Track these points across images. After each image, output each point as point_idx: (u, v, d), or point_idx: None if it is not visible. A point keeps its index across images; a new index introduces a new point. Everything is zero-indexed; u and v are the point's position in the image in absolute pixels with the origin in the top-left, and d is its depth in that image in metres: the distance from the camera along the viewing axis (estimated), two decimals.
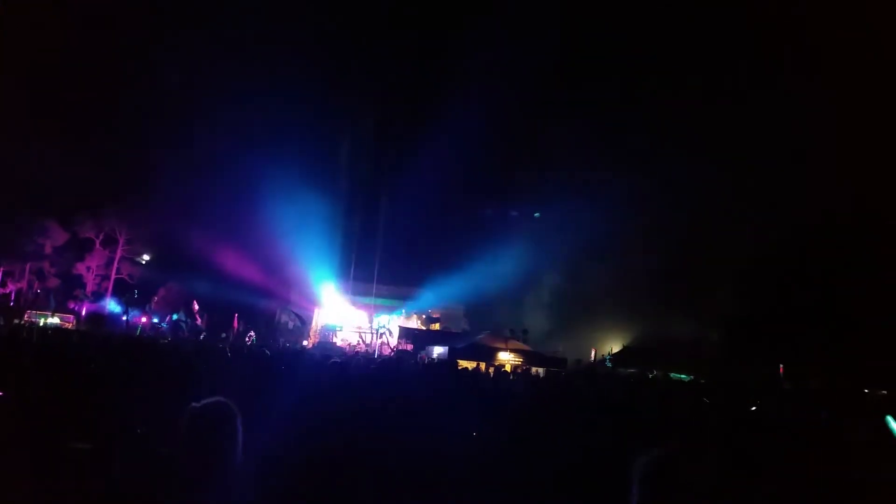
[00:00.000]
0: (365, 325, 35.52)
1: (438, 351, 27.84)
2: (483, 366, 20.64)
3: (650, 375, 24.10)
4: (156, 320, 33.77)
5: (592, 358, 32.69)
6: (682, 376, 25.95)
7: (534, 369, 23.88)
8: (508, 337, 28.69)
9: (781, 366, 26.21)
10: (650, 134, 38.69)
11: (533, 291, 37.97)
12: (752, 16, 36.02)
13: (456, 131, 35.31)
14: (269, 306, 36.43)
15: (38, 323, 28.25)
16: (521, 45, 37.50)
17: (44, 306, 34.37)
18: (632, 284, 35.48)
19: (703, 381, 21.12)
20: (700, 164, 34.40)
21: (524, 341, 29.60)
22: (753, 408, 11.55)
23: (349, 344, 32.63)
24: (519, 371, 21.80)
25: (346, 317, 37.17)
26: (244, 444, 2.79)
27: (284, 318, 37.07)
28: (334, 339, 34.18)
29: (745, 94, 36.97)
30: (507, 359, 26.15)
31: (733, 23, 36.77)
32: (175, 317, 32.92)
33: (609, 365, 30.84)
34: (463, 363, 18.74)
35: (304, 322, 37.56)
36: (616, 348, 34.95)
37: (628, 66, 40.10)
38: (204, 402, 2.78)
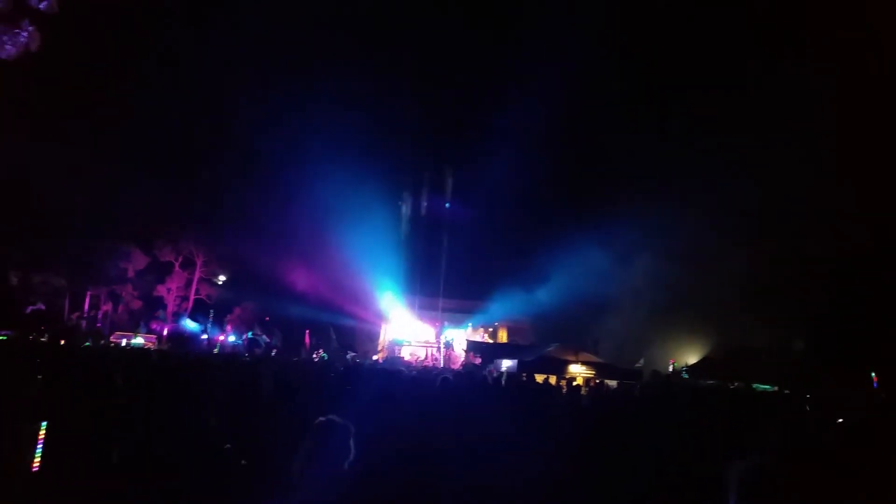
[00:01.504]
0: (432, 339, 35.57)
1: (507, 364, 27.49)
2: (553, 379, 20.21)
3: (731, 386, 23.09)
4: (232, 338, 34.83)
5: (671, 369, 31.54)
6: (766, 387, 24.79)
7: (607, 382, 23.23)
8: (579, 349, 28.04)
9: (874, 374, 24.63)
10: (730, 138, 37.14)
11: (606, 301, 36.92)
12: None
13: (524, 140, 35.13)
14: (326, 320, 36.99)
15: (122, 343, 29.56)
16: (594, 52, 36.84)
17: (128, 327, 36.06)
18: (712, 292, 34.05)
19: (787, 391, 20.08)
20: (784, 166, 32.96)
21: (595, 353, 28.89)
22: (843, 419, 10.82)
23: (416, 358, 32.70)
24: (591, 384, 21.25)
25: (413, 331, 37.31)
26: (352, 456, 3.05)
27: (336, 331, 37.54)
28: (401, 354, 34.33)
29: (830, 99, 35.06)
30: (578, 371, 25.55)
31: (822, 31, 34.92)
32: (250, 334, 33.89)
33: (686, 376, 29.74)
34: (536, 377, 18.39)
35: (346, 337, 37.93)
36: (692, 359, 33.71)
37: (714, 71, 38.29)
38: (325, 418, 3.09)
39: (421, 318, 38.09)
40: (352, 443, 3.05)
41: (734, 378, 25.66)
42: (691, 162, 36.74)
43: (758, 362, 28.60)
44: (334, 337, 34.47)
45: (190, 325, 38.17)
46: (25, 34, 20.84)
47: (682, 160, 36.96)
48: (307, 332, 33.63)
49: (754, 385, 24.49)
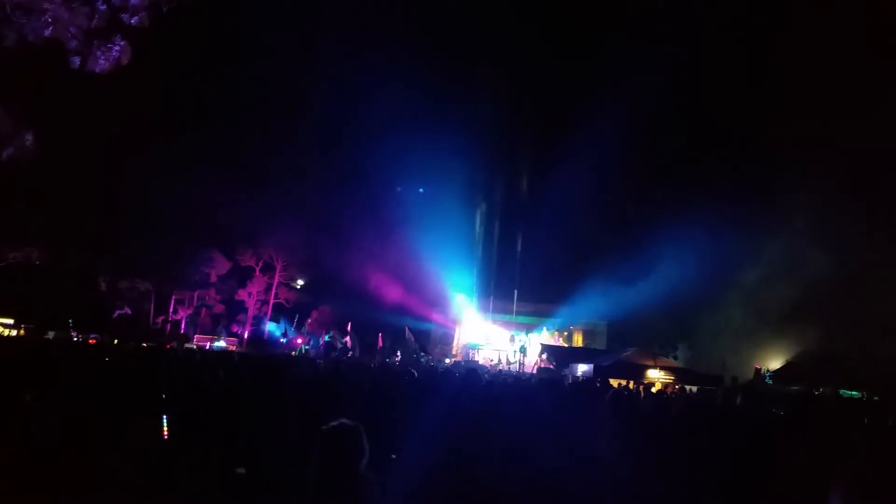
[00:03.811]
0: (506, 342, 35.43)
1: (583, 369, 27.08)
2: (632, 384, 19.78)
3: (816, 392, 22.01)
4: (311, 341, 35.76)
5: (760, 374, 30.21)
6: (853, 393, 23.53)
7: (687, 388, 22.53)
8: (657, 353, 27.35)
9: None
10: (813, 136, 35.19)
11: (686, 306, 35.57)
12: None
13: (598, 141, 34.36)
14: (402, 323, 37.37)
15: (206, 346, 30.80)
16: (676, 55, 35.65)
17: (211, 331, 37.55)
18: (797, 296, 32.39)
19: (876, 397, 19.00)
20: (870, 165, 31.10)
21: (674, 358, 28.13)
22: None
23: (491, 362, 32.63)
24: (669, 391, 20.65)
25: (487, 335, 37.30)
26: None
27: (410, 336, 37.82)
28: (476, 357, 34.34)
29: None
30: (656, 377, 24.91)
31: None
32: (327, 337, 34.68)
33: (769, 382, 28.50)
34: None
35: (429, 339, 38.04)
36: (774, 365, 32.28)
37: (795, 80, 36.15)
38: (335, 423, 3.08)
39: (495, 321, 38.03)
40: (364, 442, 3.06)
41: (821, 384, 24.46)
42: (786, 161, 34.98)
43: (845, 367, 27.14)
44: (412, 339, 34.80)
45: (272, 327, 39.40)
46: (118, 48, 22.16)
47: (777, 158, 35.27)
48: (379, 335, 34.11)
49: (841, 391, 23.29)
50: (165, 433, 5.96)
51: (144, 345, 21.56)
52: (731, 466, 7.50)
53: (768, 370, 30.95)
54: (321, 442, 3.02)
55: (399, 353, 31.90)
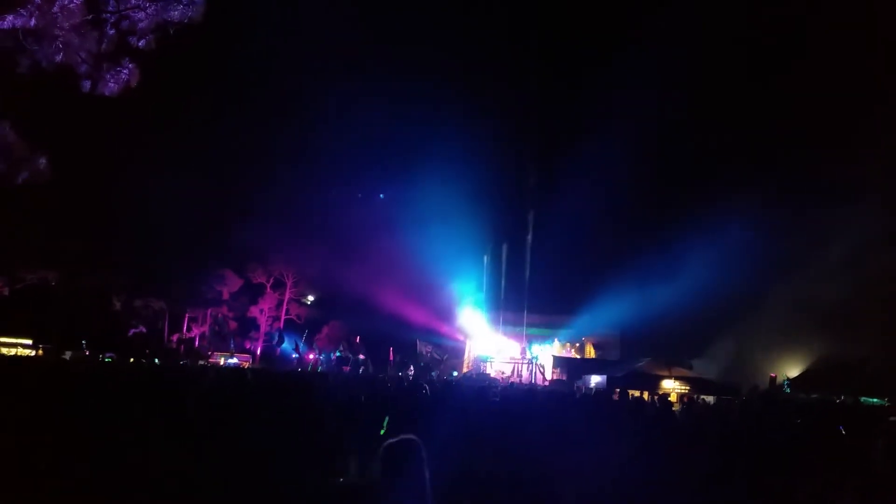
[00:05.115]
0: (517, 355, 35.28)
1: (596, 380, 26.94)
2: (647, 395, 19.62)
3: (837, 401, 21.76)
4: (322, 356, 35.80)
5: (776, 382, 29.80)
6: (874, 400, 23.24)
7: (703, 398, 22.32)
8: (671, 363, 27.14)
9: None
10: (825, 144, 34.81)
11: (699, 315, 35.04)
12: None
13: (608, 151, 34.21)
14: (413, 337, 37.24)
15: (220, 362, 30.89)
16: (684, 62, 35.43)
17: (224, 347, 37.70)
18: (814, 304, 31.85)
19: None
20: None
21: (689, 367, 27.90)
22: None
23: (502, 374, 32.50)
24: (685, 400, 20.47)
25: (497, 347, 37.16)
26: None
27: (424, 349, 37.63)
28: (487, 370, 34.20)
29: None
30: (671, 387, 24.72)
31: None
32: (338, 353, 34.71)
33: (788, 390, 28.21)
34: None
35: (443, 354, 37.89)
36: (792, 373, 31.92)
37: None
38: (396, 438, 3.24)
39: (506, 333, 37.90)
40: (424, 455, 3.20)
41: (840, 392, 24.18)
42: (799, 170, 34.55)
43: (864, 375, 26.82)
44: (425, 352, 34.66)
45: (284, 344, 39.52)
46: (126, 71, 22.54)
47: (788, 163, 34.93)
48: (391, 349, 34.10)
49: (861, 399, 23.02)
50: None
51: (157, 361, 21.72)
52: (749, 476, 7.45)
53: (787, 378, 30.60)
54: (386, 454, 3.20)
55: (412, 368, 31.84)
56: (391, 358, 33.57)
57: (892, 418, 14.42)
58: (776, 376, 30.67)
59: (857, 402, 21.74)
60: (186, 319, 40.32)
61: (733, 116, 38.35)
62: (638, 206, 41.58)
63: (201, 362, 29.05)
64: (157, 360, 25.07)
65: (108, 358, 22.41)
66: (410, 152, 39.66)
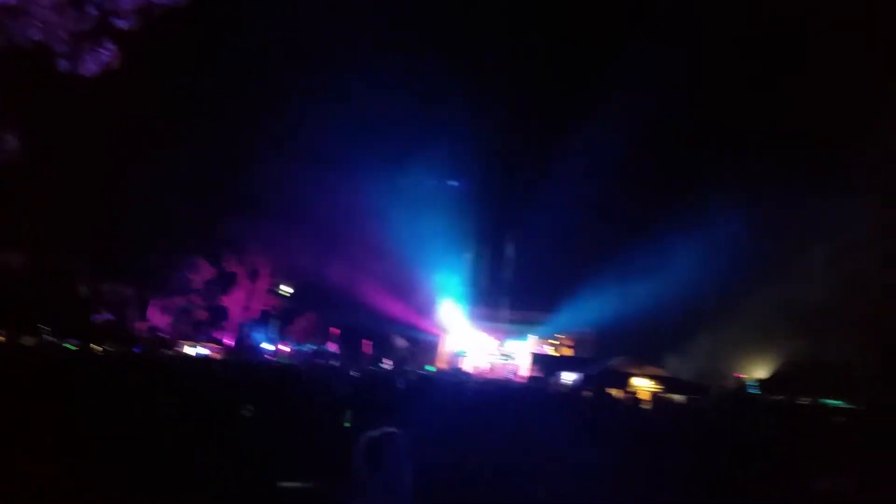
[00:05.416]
0: (493, 350, 35.34)
1: (568, 377, 27.06)
2: (620, 392, 19.70)
3: (801, 403, 21.97)
4: (295, 348, 35.49)
5: (742, 383, 30.17)
6: (838, 403, 23.54)
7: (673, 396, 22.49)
8: (644, 362, 27.36)
9: None
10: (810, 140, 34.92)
11: (675, 313, 35.24)
12: None
13: (589, 149, 34.16)
14: (388, 330, 37.01)
15: (188, 353, 30.35)
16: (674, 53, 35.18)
17: (192, 337, 37.14)
18: (783, 306, 32.22)
19: (863, 407, 18.95)
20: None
21: (661, 366, 28.13)
22: None
23: (478, 370, 32.52)
24: (655, 399, 20.59)
25: (474, 342, 37.15)
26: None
27: (399, 342, 37.49)
28: (461, 365, 34.18)
29: None
30: (642, 385, 24.90)
31: None
32: (312, 346, 34.46)
33: (756, 391, 28.54)
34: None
35: (418, 348, 37.79)
36: (763, 374, 32.31)
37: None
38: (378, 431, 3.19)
39: (483, 329, 37.89)
40: (404, 448, 3.19)
41: (808, 394, 24.47)
42: (779, 169, 34.72)
43: (830, 378, 27.16)
44: (401, 345, 34.51)
45: (256, 335, 39.09)
46: (107, 52, 21.96)
47: (768, 163, 35.03)
48: (362, 341, 33.93)
49: (821, 400, 23.28)
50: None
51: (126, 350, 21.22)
52: (714, 476, 7.43)
53: (755, 379, 30.97)
54: (366, 448, 3.14)
55: (391, 361, 31.69)
56: (366, 350, 33.41)
57: (835, 419, 14.57)
58: (741, 377, 31.11)
59: (818, 404, 21.95)
60: (155, 307, 39.62)
61: (711, 113, 38.34)
62: (617, 205, 41.57)
63: (167, 352, 28.55)
64: (134, 350, 24.56)
65: (70, 345, 21.74)
66: (392, 143, 39.20)
